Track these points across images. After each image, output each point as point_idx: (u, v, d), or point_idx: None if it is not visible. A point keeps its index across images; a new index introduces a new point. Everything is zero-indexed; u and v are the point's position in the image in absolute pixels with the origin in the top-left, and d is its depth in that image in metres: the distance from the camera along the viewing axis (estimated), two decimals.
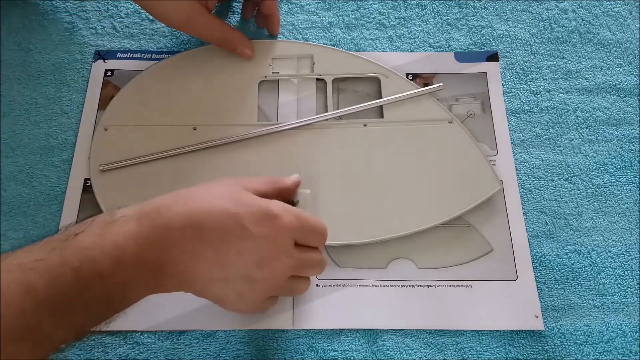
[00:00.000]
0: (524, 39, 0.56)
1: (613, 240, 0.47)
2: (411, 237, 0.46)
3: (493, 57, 0.55)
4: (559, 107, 0.52)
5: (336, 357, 0.42)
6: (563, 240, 0.47)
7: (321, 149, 0.49)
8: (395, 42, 0.56)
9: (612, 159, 0.50)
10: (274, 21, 0.54)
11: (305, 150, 0.49)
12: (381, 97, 0.52)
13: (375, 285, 0.45)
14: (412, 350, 0.42)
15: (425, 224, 0.46)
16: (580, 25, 0.57)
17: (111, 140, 0.50)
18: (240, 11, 0.57)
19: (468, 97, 0.53)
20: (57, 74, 0.53)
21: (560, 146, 0.51)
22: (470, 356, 0.42)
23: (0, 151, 0.50)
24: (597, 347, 0.43)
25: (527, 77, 0.54)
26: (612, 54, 0.55)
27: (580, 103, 0.53)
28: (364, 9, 0.57)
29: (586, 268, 0.46)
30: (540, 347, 0.43)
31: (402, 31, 0.56)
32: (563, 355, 0.42)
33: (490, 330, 0.43)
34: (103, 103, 0.52)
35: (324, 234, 0.39)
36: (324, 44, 0.55)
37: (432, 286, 0.44)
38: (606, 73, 0.54)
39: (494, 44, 0.56)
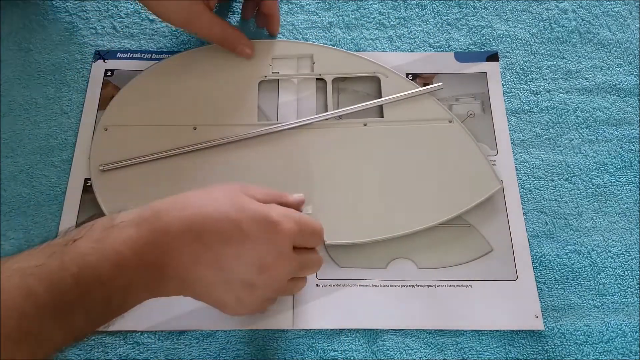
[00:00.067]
0: (524, 39, 0.56)
1: (613, 240, 0.47)
2: (411, 237, 0.46)
3: (493, 57, 0.55)
4: (559, 107, 0.52)
5: (336, 357, 0.42)
6: (563, 240, 0.47)
7: (321, 149, 0.49)
8: (395, 42, 0.56)
9: (612, 159, 0.50)
10: (274, 21, 0.54)
11: (305, 150, 0.49)
12: (381, 97, 0.52)
13: (375, 285, 0.45)
14: (412, 350, 0.42)
15: (425, 224, 0.46)
16: (580, 25, 0.57)
17: (111, 140, 0.50)
18: (240, 11, 0.57)
19: (468, 97, 0.53)
20: (57, 74, 0.53)
21: (560, 146, 0.51)
22: (470, 356, 0.42)
23: (0, 151, 0.50)
24: (597, 347, 0.43)
25: (527, 77, 0.54)
26: (612, 54, 0.55)
27: (580, 103, 0.53)
28: (364, 9, 0.57)
29: (586, 268, 0.46)
30: (540, 347, 0.43)
31: (402, 31, 0.56)
32: (563, 355, 0.42)
33: (490, 330, 0.43)
34: (103, 103, 0.52)
35: (321, 235, 0.39)
36: (324, 44, 0.55)
37: (432, 286, 0.44)
38: (606, 73, 0.54)
39: (494, 44, 0.56)
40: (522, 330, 0.43)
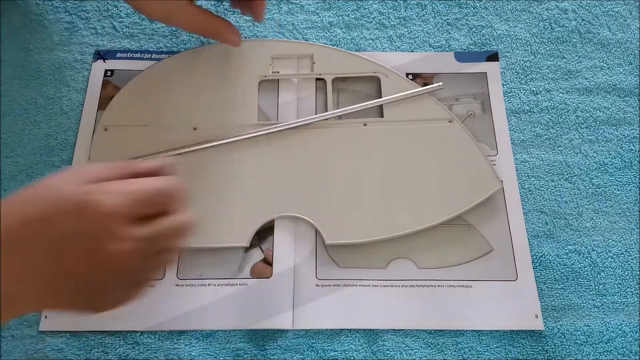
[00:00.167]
0: (524, 39, 0.56)
1: (613, 240, 0.47)
2: (411, 237, 0.46)
3: (493, 57, 0.55)
4: (559, 107, 0.52)
5: (336, 357, 0.42)
6: (563, 240, 0.47)
7: (321, 149, 0.49)
8: (395, 42, 0.56)
9: (612, 159, 0.50)
10: (257, 5, 0.49)
11: (305, 150, 0.49)
12: (381, 97, 0.52)
13: (375, 285, 0.45)
14: (412, 350, 0.42)
15: (425, 224, 0.46)
16: (580, 25, 0.57)
17: (111, 140, 0.50)
18: (225, 14, 0.56)
19: (468, 97, 0.53)
20: (57, 74, 0.53)
21: (560, 146, 0.51)
22: (470, 356, 0.42)
23: (0, 151, 0.50)
24: (597, 347, 0.43)
25: (527, 77, 0.54)
26: (612, 54, 0.55)
27: (580, 103, 0.53)
28: (364, 9, 0.57)
29: (586, 268, 0.46)
30: (540, 347, 0.43)
31: (402, 31, 0.56)
32: (563, 355, 0.42)
33: (490, 330, 0.43)
34: (103, 103, 0.52)
35: (171, 192, 0.33)
36: (324, 43, 0.55)
37: (432, 286, 0.44)
38: (606, 73, 0.54)
39: (494, 44, 0.56)
40: (522, 330, 0.43)
